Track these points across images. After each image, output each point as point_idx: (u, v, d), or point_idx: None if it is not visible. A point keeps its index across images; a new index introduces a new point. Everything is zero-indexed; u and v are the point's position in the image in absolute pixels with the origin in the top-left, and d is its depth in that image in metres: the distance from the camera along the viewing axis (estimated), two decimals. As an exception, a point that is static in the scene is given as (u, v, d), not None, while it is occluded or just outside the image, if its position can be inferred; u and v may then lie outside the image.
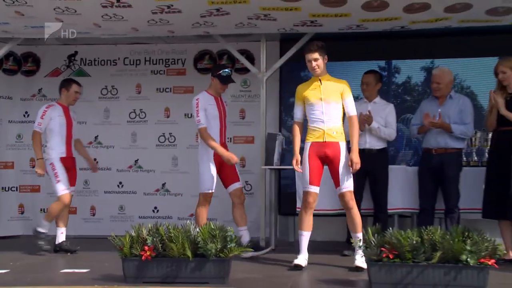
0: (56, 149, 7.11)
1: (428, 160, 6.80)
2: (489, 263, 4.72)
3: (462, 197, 6.75)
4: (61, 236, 7.14)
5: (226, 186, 6.91)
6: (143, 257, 5.00)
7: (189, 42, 8.63)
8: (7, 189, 8.93)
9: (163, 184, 8.76)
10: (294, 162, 6.14)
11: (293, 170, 6.90)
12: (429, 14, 6.72)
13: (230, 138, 8.51)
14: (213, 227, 5.10)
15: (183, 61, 8.89)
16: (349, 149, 6.01)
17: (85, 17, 6.90)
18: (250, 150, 8.48)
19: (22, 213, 8.96)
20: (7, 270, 6.03)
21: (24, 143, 8.99)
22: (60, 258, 6.85)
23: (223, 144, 6.82)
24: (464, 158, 7.11)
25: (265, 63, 7.88)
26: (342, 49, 8.10)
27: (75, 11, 6.69)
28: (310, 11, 6.73)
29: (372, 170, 6.73)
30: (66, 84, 7.35)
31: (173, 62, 8.91)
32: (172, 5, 6.56)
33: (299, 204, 6.99)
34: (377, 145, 6.88)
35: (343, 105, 6.03)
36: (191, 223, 5.21)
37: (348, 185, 5.96)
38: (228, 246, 5.02)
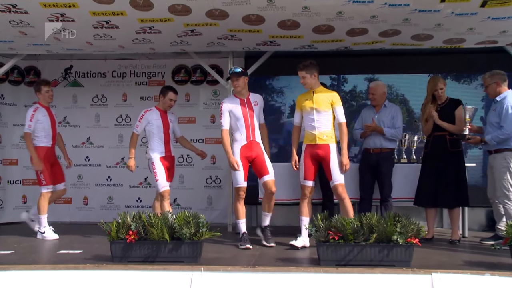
0: (156, 150, 6.78)
1: (367, 158, 6.90)
2: (414, 242, 4.85)
3: (394, 189, 6.87)
4: None
5: (259, 178, 6.45)
6: (128, 240, 4.99)
7: (168, 58, 8.62)
8: (12, 182, 8.83)
9: (145, 178, 8.69)
10: (293, 162, 6.17)
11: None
12: (367, 38, 6.83)
13: (203, 139, 8.55)
14: (187, 214, 5.11)
15: (163, 74, 8.84)
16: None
17: (79, 36, 6.84)
18: (219, 149, 8.36)
19: (25, 202, 8.86)
20: (12, 251, 5.98)
21: (26, 143, 8.92)
22: (57, 241, 6.77)
23: (251, 143, 6.34)
24: (396, 157, 7.21)
25: (232, 76, 7.91)
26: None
27: (71, 31, 6.64)
28: (270, 33, 6.76)
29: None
30: (163, 91, 6.97)
31: (154, 75, 8.86)
32: (153, 27, 6.55)
33: (260, 195, 7.01)
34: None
35: (333, 113, 6.05)
36: (168, 211, 5.21)
37: (339, 178, 6.00)
38: (200, 230, 5.04)
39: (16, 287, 4.78)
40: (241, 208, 6.32)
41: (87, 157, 8.73)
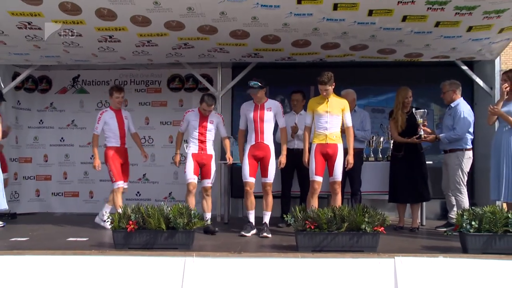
0: (190, 147, 6.44)
1: None
2: (380, 230, 4.84)
3: (362, 183, 6.86)
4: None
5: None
6: (128, 229, 4.91)
7: (164, 68, 8.53)
8: (26, 177, 8.77)
9: (144, 175, 8.64)
10: (306, 160, 6.05)
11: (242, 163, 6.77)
12: (339, 51, 6.86)
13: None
14: (181, 206, 5.06)
15: (159, 82, 8.78)
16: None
17: (86, 49, 6.87)
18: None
19: (38, 196, 8.82)
20: (27, 238, 5.92)
21: (39, 143, 8.89)
22: (66, 230, 6.68)
23: (259, 144, 6.10)
24: (364, 155, 7.19)
25: (221, 84, 7.90)
26: (280, 74, 8.16)
27: (78, 45, 6.68)
28: (254, 46, 6.77)
29: (299, 164, 6.50)
30: (201, 99, 6.44)
31: (151, 83, 8.78)
32: (151, 40, 6.54)
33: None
34: (302, 145, 6.84)
35: (342, 117, 6.00)
36: (164, 204, 5.15)
37: (338, 176, 5.96)
38: (193, 221, 4.98)
39: (31, 269, 4.75)
40: (247, 201, 6.18)
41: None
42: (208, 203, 6.51)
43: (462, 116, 6.30)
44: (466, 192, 6.34)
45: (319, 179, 5.99)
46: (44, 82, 8.94)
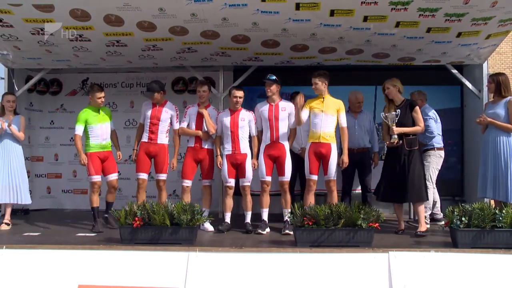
0: (224, 148, 6.19)
1: (351, 156, 6.25)
2: (375, 226, 4.84)
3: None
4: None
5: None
6: (134, 225, 4.91)
7: (168, 71, 8.43)
8: (38, 175, 8.69)
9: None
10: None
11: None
12: (335, 55, 6.83)
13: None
14: (184, 203, 5.06)
15: (164, 84, 8.69)
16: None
17: (94, 53, 6.83)
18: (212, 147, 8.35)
19: (49, 193, 8.74)
20: (39, 233, 5.94)
21: (50, 143, 8.80)
22: (75, 225, 6.64)
23: (274, 143, 6.03)
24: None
25: (223, 87, 7.84)
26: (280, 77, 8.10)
27: (87, 49, 6.64)
28: (254, 50, 6.72)
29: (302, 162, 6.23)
30: (229, 90, 6.27)
31: (157, 85, 8.72)
32: (156, 45, 6.51)
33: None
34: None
35: (337, 117, 5.91)
36: (169, 201, 5.13)
37: (334, 175, 5.87)
38: (196, 217, 4.98)
39: (42, 263, 4.75)
40: (263, 199, 6.11)
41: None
42: (246, 202, 6.18)
43: (428, 117, 6.40)
44: (434, 188, 6.37)
45: (314, 177, 5.92)
46: (55, 85, 8.86)
